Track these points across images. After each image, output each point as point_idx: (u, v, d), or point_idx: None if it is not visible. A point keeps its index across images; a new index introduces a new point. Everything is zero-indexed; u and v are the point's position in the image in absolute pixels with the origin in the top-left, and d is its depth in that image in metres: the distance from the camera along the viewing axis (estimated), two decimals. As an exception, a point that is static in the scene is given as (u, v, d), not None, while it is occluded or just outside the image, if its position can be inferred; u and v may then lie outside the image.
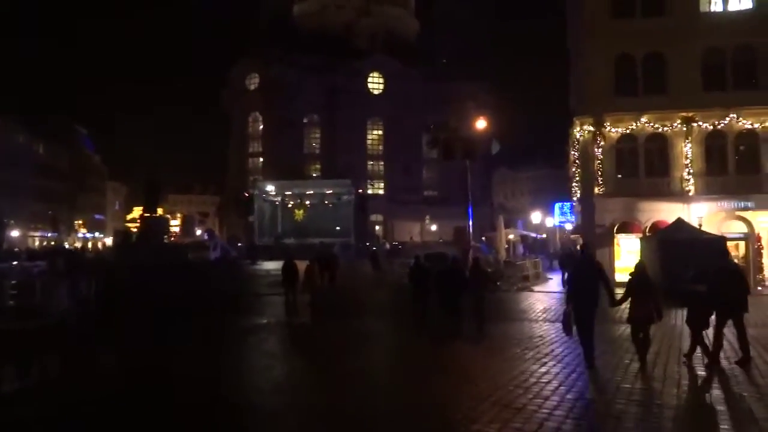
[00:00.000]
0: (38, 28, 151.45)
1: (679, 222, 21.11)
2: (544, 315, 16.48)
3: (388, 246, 69.29)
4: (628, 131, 23.89)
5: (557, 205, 38.71)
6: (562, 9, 30.56)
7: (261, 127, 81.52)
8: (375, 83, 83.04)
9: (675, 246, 18.86)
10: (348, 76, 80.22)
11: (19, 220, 65.96)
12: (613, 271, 23.70)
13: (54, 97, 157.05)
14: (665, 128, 23.59)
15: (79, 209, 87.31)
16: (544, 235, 49.51)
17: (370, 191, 78.56)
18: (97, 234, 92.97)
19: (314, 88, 79.07)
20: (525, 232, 36.22)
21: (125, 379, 9.52)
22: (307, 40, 79.69)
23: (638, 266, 9.98)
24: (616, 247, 23.91)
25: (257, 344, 12.58)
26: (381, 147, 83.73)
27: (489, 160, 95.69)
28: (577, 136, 24.63)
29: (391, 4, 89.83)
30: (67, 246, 57.37)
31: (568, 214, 36.60)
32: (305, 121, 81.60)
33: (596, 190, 24.03)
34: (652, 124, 23.67)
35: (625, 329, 11.24)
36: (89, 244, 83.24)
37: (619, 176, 24.10)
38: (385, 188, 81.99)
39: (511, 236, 38.00)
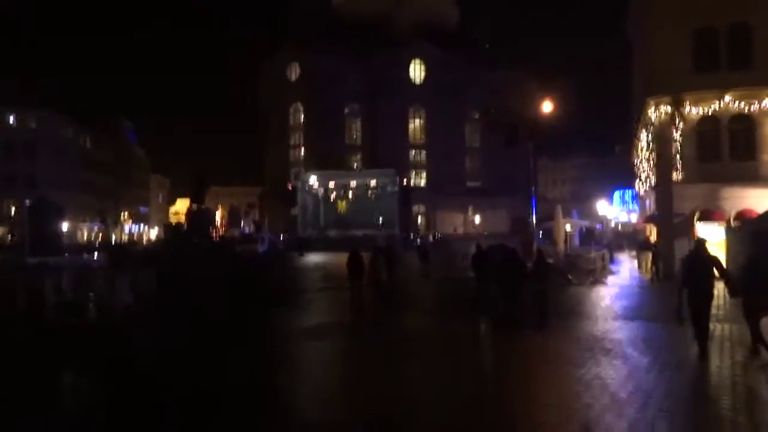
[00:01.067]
0: (79, 25, 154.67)
1: (774, 210, 19.22)
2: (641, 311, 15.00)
3: (431, 238, 68.22)
4: (710, 111, 22.01)
5: (617, 193, 36.73)
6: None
7: (302, 117, 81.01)
8: (416, 71, 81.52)
9: (769, 236, 17.04)
10: (388, 64, 78.93)
11: (67, 212, 67.15)
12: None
13: (99, 91, 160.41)
14: (752, 107, 21.63)
15: (125, 202, 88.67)
16: (601, 226, 47.41)
17: (412, 182, 77.33)
18: (142, 226, 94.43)
19: (355, 77, 78.10)
20: (585, 222, 34.41)
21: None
22: (345, 29, 78.56)
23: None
24: (696, 237, 22.06)
25: (352, 355, 11.50)
26: (423, 136, 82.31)
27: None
28: (652, 118, 22.86)
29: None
30: (114, 239, 58.15)
31: (630, 203, 34.64)
32: (346, 111, 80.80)
33: (674, 176, 22.25)
34: (737, 103, 21.75)
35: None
36: (135, 237, 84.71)
37: (700, 161, 22.24)
38: (427, 178, 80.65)
39: (567, 227, 36.18)
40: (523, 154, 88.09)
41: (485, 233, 72.50)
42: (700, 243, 9.93)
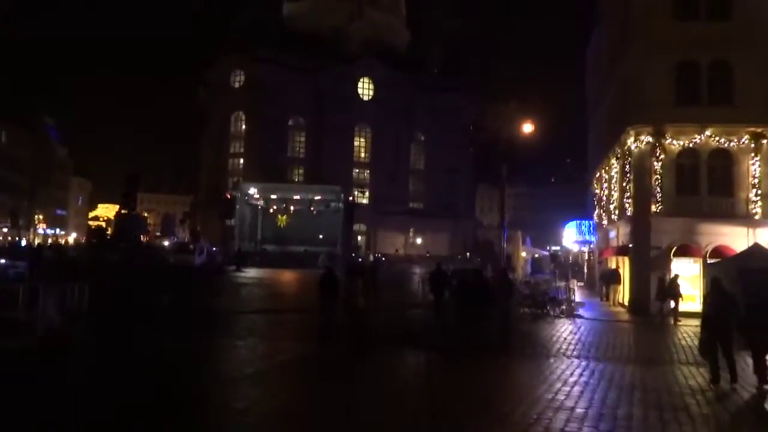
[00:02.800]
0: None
1: (756, 248, 18.75)
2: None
3: (371, 258, 66.40)
4: (690, 145, 21.58)
5: (573, 224, 36.33)
6: (573, 12, 28.39)
7: (243, 127, 77.69)
8: (365, 88, 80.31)
9: (758, 275, 16.38)
10: (337, 79, 77.29)
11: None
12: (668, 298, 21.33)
13: (23, 86, 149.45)
14: (731, 143, 21.37)
15: (41, 203, 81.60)
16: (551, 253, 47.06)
17: (355, 200, 75.48)
18: (58, 230, 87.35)
19: (301, 90, 75.84)
20: (543, 252, 33.81)
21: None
22: (295, 41, 76.43)
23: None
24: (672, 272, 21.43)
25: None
26: (367, 155, 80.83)
27: (474, 174, 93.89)
28: (632, 148, 22.21)
29: (383, 11, 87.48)
30: (30, 242, 52.61)
31: (587, 234, 34.24)
32: (290, 123, 78.24)
33: (653, 208, 21.58)
34: (716, 138, 21.42)
35: None
36: (51, 241, 77.89)
37: (679, 194, 21.70)
38: (369, 197, 78.96)
39: (523, 254, 35.45)
40: (466, 179, 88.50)
41: (428, 254, 71.57)
42: (717, 281, 10.73)
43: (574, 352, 12.90)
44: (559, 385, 9.45)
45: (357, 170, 79.85)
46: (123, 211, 39.04)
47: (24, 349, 10.23)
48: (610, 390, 9.27)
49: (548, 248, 53.61)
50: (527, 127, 21.84)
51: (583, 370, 10.74)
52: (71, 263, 19.91)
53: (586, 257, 39.06)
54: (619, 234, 25.62)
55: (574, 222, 36.29)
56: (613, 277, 25.35)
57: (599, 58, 31.98)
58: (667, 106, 21.63)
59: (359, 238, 75.84)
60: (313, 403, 8.24)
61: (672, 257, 21.49)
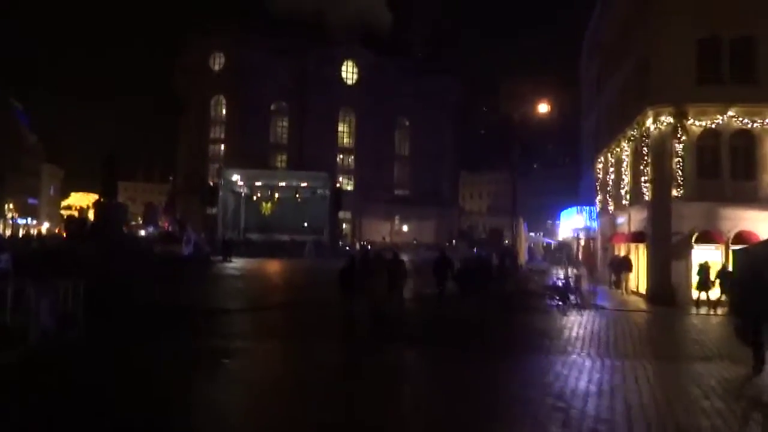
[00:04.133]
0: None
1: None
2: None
3: (357, 246, 65.06)
4: (712, 125, 20.64)
5: (572, 210, 35.45)
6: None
7: (224, 111, 75.30)
8: (348, 72, 78.42)
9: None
10: (320, 62, 75.27)
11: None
12: (689, 287, 20.53)
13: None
14: (754, 124, 20.49)
15: (10, 191, 78.21)
16: (557, 241, 46.26)
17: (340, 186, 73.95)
18: (29, 220, 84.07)
19: (284, 73, 73.68)
20: (547, 240, 32.94)
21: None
22: (277, 24, 74.09)
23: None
24: (692, 258, 20.61)
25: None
26: (351, 140, 79.19)
27: (459, 161, 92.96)
28: (651, 129, 21.21)
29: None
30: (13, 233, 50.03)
31: (588, 220, 33.39)
32: (273, 108, 76.05)
33: (674, 192, 20.65)
34: (739, 119, 20.52)
35: None
36: (20, 231, 74.85)
37: (700, 177, 20.79)
38: (354, 184, 77.36)
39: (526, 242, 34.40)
40: (452, 165, 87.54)
41: (415, 242, 70.52)
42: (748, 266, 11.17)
43: (642, 352, 11.78)
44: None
45: (341, 156, 78.23)
46: (102, 200, 36.79)
47: (15, 360, 8.75)
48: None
49: (539, 234, 52.81)
50: (543, 107, 20.64)
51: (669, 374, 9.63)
52: (54, 256, 18.24)
53: (583, 244, 38.37)
54: (631, 220, 24.71)
55: (574, 208, 35.37)
56: (625, 264, 24.49)
57: (603, 41, 30.96)
58: (689, 85, 20.65)
59: (344, 225, 74.41)
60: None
61: (693, 244, 20.61)
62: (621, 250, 26.41)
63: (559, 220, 41.51)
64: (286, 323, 14.65)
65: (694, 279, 19.75)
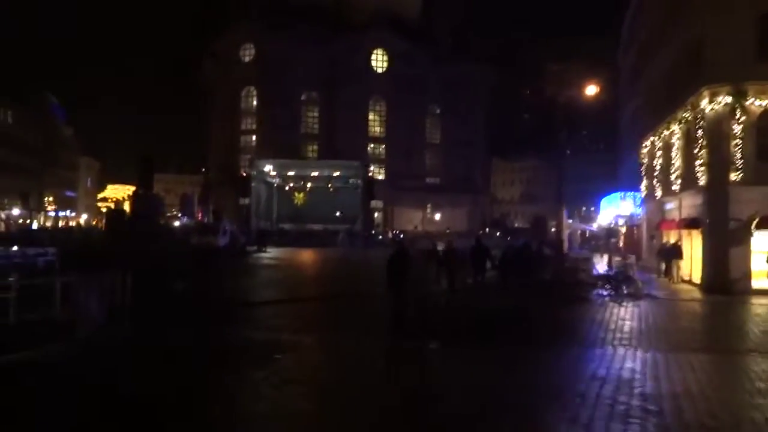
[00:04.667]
0: None
1: None
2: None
3: (390, 235, 64.62)
4: (774, 105, 19.47)
5: (615, 196, 34.35)
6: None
7: (255, 102, 75.37)
8: (378, 60, 77.64)
9: None
10: (349, 51, 74.63)
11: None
12: (749, 276, 19.51)
13: (25, 65, 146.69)
14: (819, 103, 19.25)
15: (49, 185, 79.92)
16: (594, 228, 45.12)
17: (372, 175, 73.48)
18: (68, 212, 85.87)
19: (313, 63, 73.30)
20: (588, 226, 32.01)
21: None
22: (305, 12, 73.59)
23: None
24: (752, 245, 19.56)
25: None
26: (382, 129, 78.52)
27: (489, 148, 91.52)
28: (706, 110, 20.12)
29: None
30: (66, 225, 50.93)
31: (635, 206, 32.28)
32: (303, 97, 75.87)
33: (732, 176, 19.58)
34: (803, 98, 19.30)
35: None
36: (59, 223, 76.48)
37: (759, 160, 19.66)
38: (385, 173, 76.80)
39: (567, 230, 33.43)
40: (483, 152, 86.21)
41: (448, 230, 69.74)
42: None
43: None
44: None
45: (372, 145, 77.65)
46: (139, 192, 37.03)
47: (67, 355, 8.51)
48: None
49: (576, 221, 51.44)
50: (591, 89, 19.73)
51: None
52: (97, 249, 18.18)
53: (625, 232, 37.21)
54: (683, 206, 23.64)
55: (617, 194, 34.25)
56: (675, 252, 23.48)
57: (645, 24, 29.70)
58: (748, 63, 19.48)
59: (376, 214, 74.03)
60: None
61: (753, 230, 19.53)
62: (670, 238, 25.35)
63: (599, 206, 40.29)
64: (329, 315, 14.26)
65: (763, 267, 18.73)
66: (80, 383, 7.36)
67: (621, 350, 10.11)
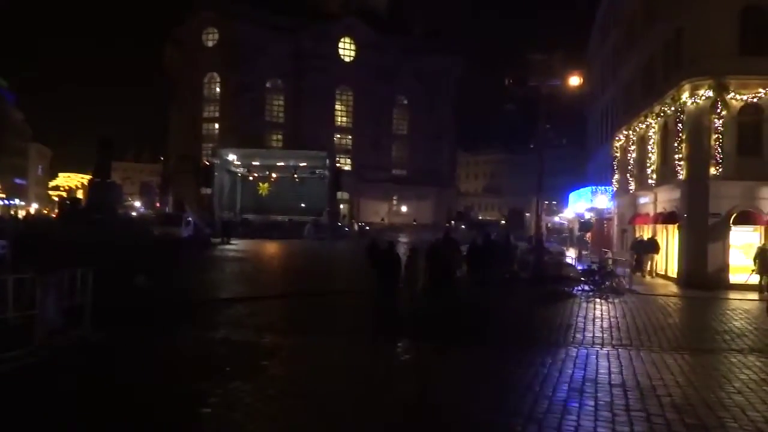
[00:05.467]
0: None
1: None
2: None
3: (356, 227, 63.80)
4: (754, 99, 19.42)
5: (585, 190, 34.33)
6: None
7: (218, 89, 73.13)
8: (346, 49, 76.37)
9: None
10: (317, 39, 73.17)
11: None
12: (726, 270, 19.49)
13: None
14: (799, 99, 19.30)
15: (-4, 172, 75.99)
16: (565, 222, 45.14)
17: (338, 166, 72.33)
18: (17, 201, 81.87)
19: (280, 49, 71.59)
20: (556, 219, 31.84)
21: None
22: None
23: None
24: (730, 240, 19.55)
25: None
26: (349, 119, 77.39)
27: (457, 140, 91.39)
28: (688, 104, 19.95)
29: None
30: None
31: (604, 201, 32.27)
32: (268, 85, 74.00)
33: (712, 170, 19.48)
34: (783, 93, 19.30)
35: None
36: (9, 212, 72.75)
37: (739, 155, 19.61)
38: (352, 164, 75.75)
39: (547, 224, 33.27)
40: (450, 145, 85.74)
41: (415, 222, 69.32)
42: None
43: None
44: None
45: (338, 135, 76.45)
46: (96, 179, 35.19)
47: (21, 363, 7.43)
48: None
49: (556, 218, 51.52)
50: (574, 80, 19.31)
51: None
52: (52, 240, 16.72)
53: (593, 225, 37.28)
54: (658, 200, 23.59)
55: (588, 188, 34.23)
56: (651, 246, 23.39)
57: (622, 17, 29.57)
58: (730, 57, 19.41)
59: (341, 206, 73.03)
60: None
61: (731, 225, 19.51)
62: (644, 232, 25.31)
63: (566, 200, 40.32)
64: (311, 314, 13.33)
65: (741, 262, 18.74)
66: (39, 399, 6.35)
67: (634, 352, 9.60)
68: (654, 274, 23.11)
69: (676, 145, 20.79)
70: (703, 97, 19.61)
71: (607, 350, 9.71)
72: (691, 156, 20.11)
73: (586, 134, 46.73)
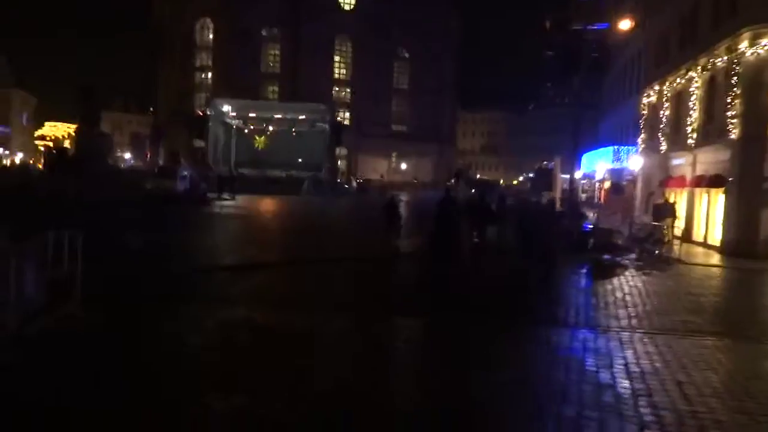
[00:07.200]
0: None
1: None
2: None
3: (354, 183, 61.83)
4: (820, 50, 17.43)
5: (607, 150, 32.43)
6: None
7: (210, 36, 69.64)
8: (345, -4, 72.79)
9: None
10: (315, -16, 69.44)
11: None
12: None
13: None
14: None
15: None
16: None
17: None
18: (1, 150, 78.80)
19: (275, -5, 67.97)
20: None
21: None
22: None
23: None
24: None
25: None
26: (348, 72, 74.36)
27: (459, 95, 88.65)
28: (747, 54, 17.92)
29: None
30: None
31: (624, 161, 30.46)
32: (264, 33, 70.52)
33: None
34: None
35: None
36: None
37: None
38: (351, 118, 73.17)
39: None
40: (452, 101, 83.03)
41: (415, 180, 67.39)
42: None
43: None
44: None
45: (337, 88, 73.57)
46: (83, 129, 32.78)
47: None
48: None
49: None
50: (625, 24, 17.16)
51: None
52: (33, 196, 14.68)
53: (607, 187, 35.57)
54: (698, 162, 21.78)
55: (609, 148, 32.30)
56: (668, 210, 21.63)
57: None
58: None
59: (339, 162, 70.86)
60: None
61: (786, 189, 17.79)
62: (670, 196, 23.55)
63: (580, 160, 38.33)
64: (336, 286, 11.47)
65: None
66: (11, 408, 4.56)
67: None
68: (672, 238, 21.47)
69: (729, 101, 18.82)
70: (766, 47, 17.56)
71: (712, 341, 8.01)
72: (746, 113, 18.19)
73: (600, 92, 44.52)
